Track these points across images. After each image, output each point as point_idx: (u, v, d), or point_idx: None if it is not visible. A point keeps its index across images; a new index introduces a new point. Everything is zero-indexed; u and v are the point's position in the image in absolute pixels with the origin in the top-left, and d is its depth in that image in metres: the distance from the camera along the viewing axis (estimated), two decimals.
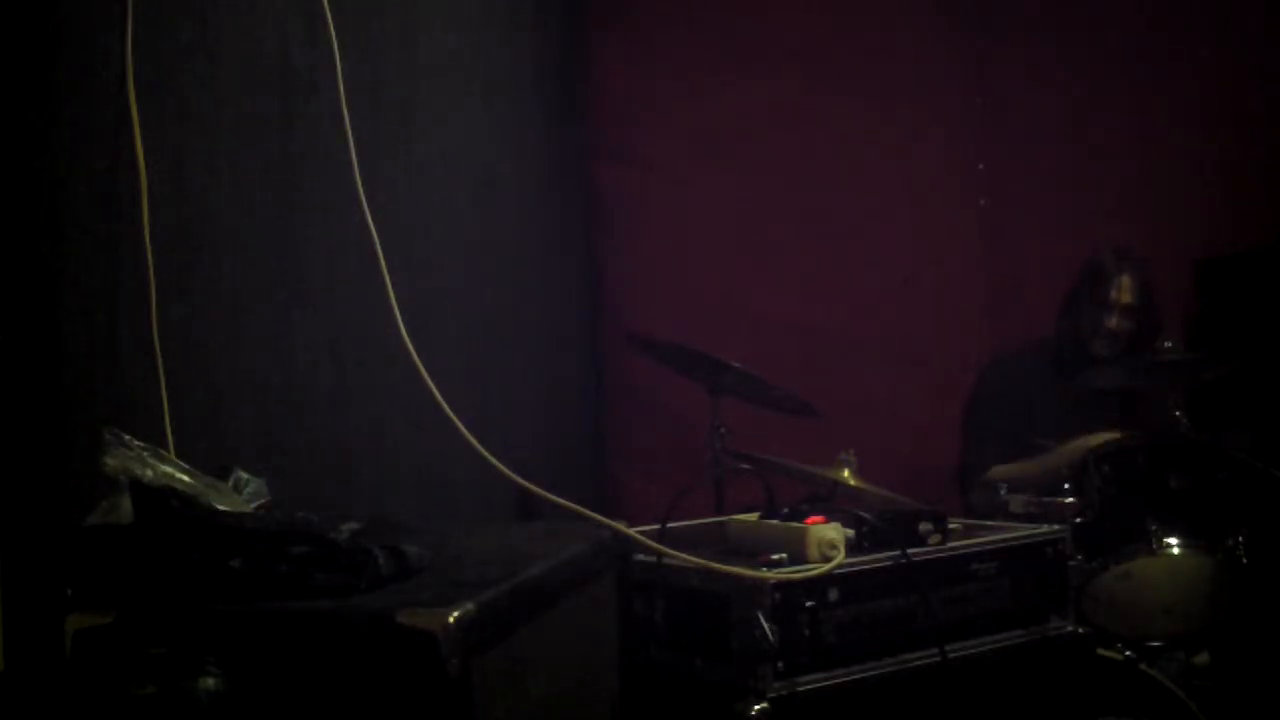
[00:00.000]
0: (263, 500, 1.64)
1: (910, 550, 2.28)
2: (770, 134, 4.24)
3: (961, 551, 2.41)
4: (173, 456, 1.56)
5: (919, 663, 2.29)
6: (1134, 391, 3.58)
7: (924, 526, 2.37)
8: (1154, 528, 3.02)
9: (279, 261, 2.21)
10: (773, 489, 2.52)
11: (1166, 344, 3.29)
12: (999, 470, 3.47)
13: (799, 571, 2.18)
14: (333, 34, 2.28)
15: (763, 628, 2.11)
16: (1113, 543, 3.03)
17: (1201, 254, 4.03)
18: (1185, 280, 4.00)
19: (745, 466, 2.91)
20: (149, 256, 1.78)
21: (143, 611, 1.37)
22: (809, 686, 2.16)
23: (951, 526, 2.44)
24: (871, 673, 2.24)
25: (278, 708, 1.33)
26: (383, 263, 2.20)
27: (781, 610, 2.14)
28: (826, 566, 2.19)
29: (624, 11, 4.32)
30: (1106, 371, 3.47)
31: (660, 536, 2.26)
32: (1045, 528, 2.58)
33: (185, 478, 1.51)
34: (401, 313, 2.16)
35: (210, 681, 1.32)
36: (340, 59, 2.29)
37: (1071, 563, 2.56)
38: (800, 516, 2.33)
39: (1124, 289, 3.60)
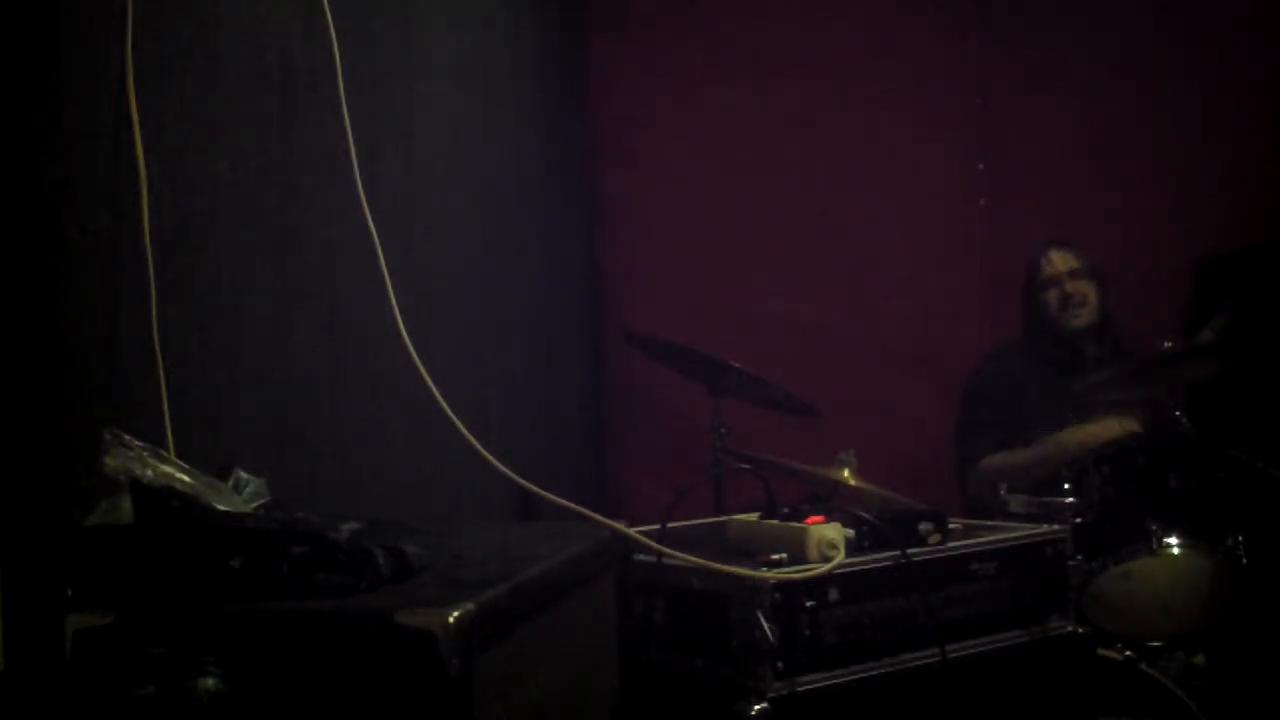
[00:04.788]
0: (263, 500, 1.64)
1: (910, 550, 2.28)
2: (770, 134, 4.24)
3: (961, 551, 2.40)
4: (173, 456, 1.56)
5: (919, 663, 2.29)
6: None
7: (924, 526, 2.37)
8: (1154, 528, 3.01)
9: (279, 261, 2.22)
10: (773, 489, 2.51)
11: (1166, 344, 3.29)
12: (992, 460, 3.48)
13: (799, 571, 2.18)
14: (333, 34, 2.28)
15: (762, 628, 2.11)
16: (1113, 543, 3.03)
17: (1201, 254, 4.02)
18: (1185, 280, 4.00)
19: (745, 466, 2.90)
20: (149, 256, 1.78)
21: (143, 611, 1.37)
22: (809, 686, 2.16)
23: (951, 526, 2.44)
24: (871, 673, 2.24)
25: (278, 708, 1.33)
26: (383, 263, 2.20)
27: (781, 610, 2.13)
28: (826, 566, 2.19)
29: (624, 12, 4.32)
30: (1105, 372, 3.47)
31: (660, 536, 2.26)
32: (1045, 528, 2.58)
33: (185, 478, 1.51)
34: (401, 313, 2.16)
35: (210, 681, 1.32)
36: (340, 59, 2.29)
37: (1071, 563, 2.56)
38: (800, 516, 2.32)
39: (1055, 260, 3.70)
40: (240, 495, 1.61)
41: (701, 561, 2.17)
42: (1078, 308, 3.65)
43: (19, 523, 1.55)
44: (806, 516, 2.31)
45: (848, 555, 2.23)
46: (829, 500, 2.73)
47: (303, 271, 2.29)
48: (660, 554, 2.17)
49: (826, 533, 2.24)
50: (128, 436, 1.50)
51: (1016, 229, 4.17)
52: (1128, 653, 2.90)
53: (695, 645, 2.25)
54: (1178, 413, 3.17)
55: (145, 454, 1.49)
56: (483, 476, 2.19)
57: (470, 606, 1.33)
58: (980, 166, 4.25)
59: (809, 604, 2.17)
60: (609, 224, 4.32)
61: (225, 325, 2.03)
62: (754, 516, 2.50)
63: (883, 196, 4.21)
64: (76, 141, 1.70)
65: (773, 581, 2.13)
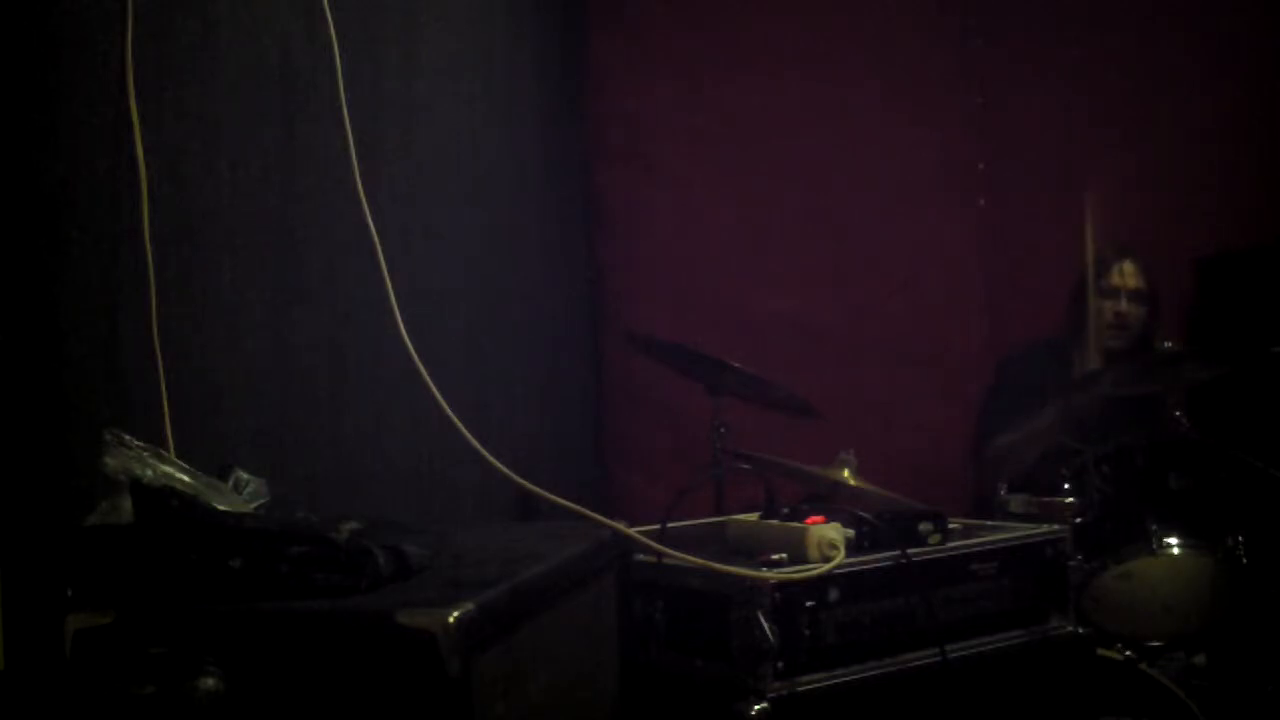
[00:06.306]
0: (263, 500, 1.64)
1: (910, 550, 2.28)
2: (770, 134, 4.23)
3: (961, 551, 2.41)
4: (173, 456, 1.56)
5: (919, 663, 2.29)
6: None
7: (924, 526, 2.37)
8: (1154, 528, 3.02)
9: (279, 261, 2.21)
10: (773, 489, 2.51)
11: (1167, 344, 3.29)
12: (999, 438, 3.49)
13: (799, 571, 2.18)
14: (333, 34, 2.28)
15: (763, 628, 2.11)
16: (1113, 543, 3.03)
17: (1201, 254, 4.03)
18: (1185, 280, 4.00)
19: (745, 466, 2.91)
20: (149, 256, 1.78)
21: (143, 611, 1.37)
22: (809, 686, 2.16)
23: (951, 526, 2.44)
24: (871, 673, 2.24)
25: (278, 708, 1.33)
26: (383, 263, 2.20)
27: (781, 610, 2.14)
28: (826, 566, 2.19)
29: (624, 11, 4.32)
30: (1105, 371, 3.47)
31: (660, 536, 2.26)
32: (1045, 528, 2.58)
33: (185, 478, 1.51)
34: (401, 313, 2.16)
35: (210, 681, 1.32)
36: (340, 59, 2.29)
37: (1071, 563, 2.56)
38: (800, 516, 2.33)
39: (1127, 273, 3.64)
40: (240, 495, 1.61)
41: (701, 561, 2.17)
42: (1121, 330, 3.63)
43: (19, 523, 1.55)
44: (806, 516, 2.31)
45: (848, 555, 2.24)
46: (829, 500, 2.73)
47: (303, 271, 2.29)
48: (660, 554, 2.18)
49: (826, 533, 2.24)
50: (128, 436, 1.50)
51: (1016, 229, 4.18)
52: (1128, 653, 2.91)
53: (695, 645, 2.26)
54: (1178, 413, 3.17)
55: (145, 454, 1.49)
56: (483, 476, 2.18)
57: (470, 606, 1.33)
58: (980, 166, 4.25)
59: (809, 604, 2.17)
60: (609, 224, 4.31)
61: (225, 325, 2.03)
62: (754, 516, 2.50)
63: (883, 196, 4.21)
64: (76, 141, 1.70)
65: (773, 581, 2.13)
